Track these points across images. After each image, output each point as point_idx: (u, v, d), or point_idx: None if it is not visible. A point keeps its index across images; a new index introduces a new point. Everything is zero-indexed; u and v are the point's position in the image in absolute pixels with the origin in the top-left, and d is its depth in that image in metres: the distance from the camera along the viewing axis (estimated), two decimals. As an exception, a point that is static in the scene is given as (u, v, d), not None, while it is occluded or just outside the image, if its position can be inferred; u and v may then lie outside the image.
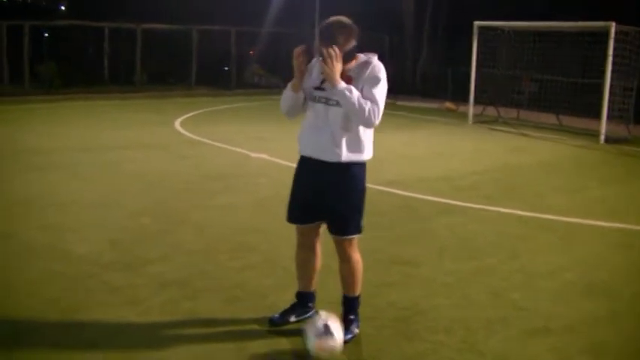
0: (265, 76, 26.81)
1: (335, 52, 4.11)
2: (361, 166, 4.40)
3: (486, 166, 11.62)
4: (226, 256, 6.19)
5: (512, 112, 18.85)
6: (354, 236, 4.46)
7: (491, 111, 18.78)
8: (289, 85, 4.40)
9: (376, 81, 4.20)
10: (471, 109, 17.87)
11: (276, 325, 4.68)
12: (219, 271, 5.78)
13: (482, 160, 12.23)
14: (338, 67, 4.13)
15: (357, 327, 4.61)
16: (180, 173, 9.88)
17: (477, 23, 17.49)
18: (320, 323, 4.12)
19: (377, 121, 4.18)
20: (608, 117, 15.16)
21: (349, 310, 4.63)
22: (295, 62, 4.29)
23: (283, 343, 4.47)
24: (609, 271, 6.21)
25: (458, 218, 7.93)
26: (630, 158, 13.26)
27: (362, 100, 4.12)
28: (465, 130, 16.64)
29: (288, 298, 4.86)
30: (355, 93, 4.12)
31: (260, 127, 15.43)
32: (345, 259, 4.51)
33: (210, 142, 12.85)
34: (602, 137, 15.00)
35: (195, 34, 25.03)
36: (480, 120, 17.91)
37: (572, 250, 6.85)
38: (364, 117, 4.13)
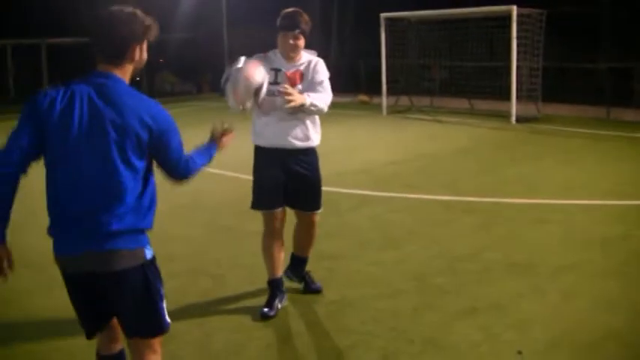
0: (178, 83, 26.48)
1: (288, 87, 4.55)
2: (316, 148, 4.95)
3: (404, 155, 11.72)
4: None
5: (425, 100, 19.12)
6: (321, 209, 4.99)
7: (404, 100, 19.00)
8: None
9: (325, 75, 4.77)
10: (385, 100, 18.03)
11: (270, 317, 4.78)
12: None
13: (400, 150, 12.34)
14: (296, 93, 4.52)
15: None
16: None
17: (383, 15, 17.66)
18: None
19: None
20: (518, 97, 15.54)
21: (304, 267, 5.24)
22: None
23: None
24: (529, 247, 6.35)
25: (379, 209, 7.97)
26: (541, 136, 13.61)
27: (321, 102, 4.63)
28: (380, 122, 16.78)
29: (220, 309, 4.77)
30: (315, 99, 4.59)
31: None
32: (312, 227, 5.06)
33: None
34: (514, 118, 15.35)
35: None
36: (395, 110, 18.10)
37: (492, 231, 6.97)
38: (324, 112, 4.72)
